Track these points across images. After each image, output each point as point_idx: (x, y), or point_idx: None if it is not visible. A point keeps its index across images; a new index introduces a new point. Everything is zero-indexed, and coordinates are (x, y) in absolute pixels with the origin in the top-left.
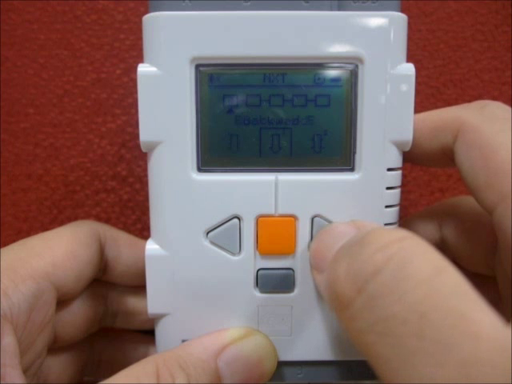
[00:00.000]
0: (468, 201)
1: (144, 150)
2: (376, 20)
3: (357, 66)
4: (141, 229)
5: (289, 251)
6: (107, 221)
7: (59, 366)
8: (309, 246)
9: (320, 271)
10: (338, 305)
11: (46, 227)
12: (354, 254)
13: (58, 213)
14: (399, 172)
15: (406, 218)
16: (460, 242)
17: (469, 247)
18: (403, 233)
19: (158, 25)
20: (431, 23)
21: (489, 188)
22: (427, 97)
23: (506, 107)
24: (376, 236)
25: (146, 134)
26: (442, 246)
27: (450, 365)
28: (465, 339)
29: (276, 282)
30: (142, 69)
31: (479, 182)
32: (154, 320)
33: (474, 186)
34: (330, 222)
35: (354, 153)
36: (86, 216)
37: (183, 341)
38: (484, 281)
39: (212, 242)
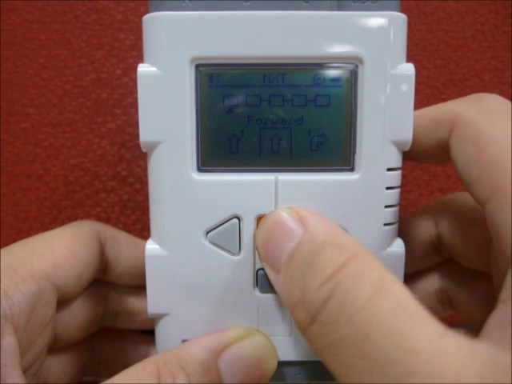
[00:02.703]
0: (463, 197)
1: (144, 150)
2: (376, 20)
3: (357, 66)
4: (141, 229)
5: None
6: (107, 221)
7: (59, 365)
8: None
9: (274, 270)
10: (298, 327)
11: (46, 227)
12: (306, 281)
13: (58, 213)
14: (399, 172)
15: (404, 217)
16: (456, 238)
17: (464, 243)
18: (349, 251)
19: (157, 25)
20: (431, 23)
21: (481, 182)
22: (427, 97)
23: (503, 100)
24: (324, 262)
25: (146, 134)
26: (439, 243)
27: (392, 379)
28: (404, 355)
29: None
30: (142, 69)
31: (472, 176)
32: (154, 320)
33: (467, 179)
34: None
35: (354, 153)
36: (86, 216)
37: (183, 341)
38: (480, 277)
39: (212, 242)
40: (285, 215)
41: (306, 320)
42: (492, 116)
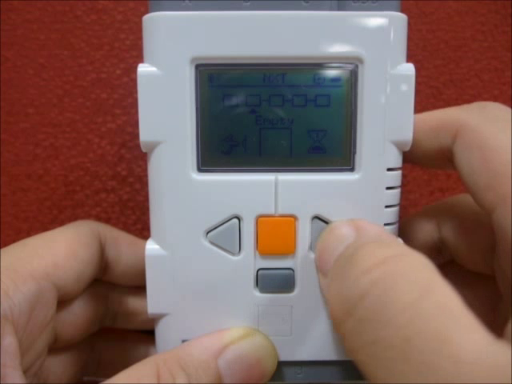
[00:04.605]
0: (466, 199)
1: (144, 150)
2: (376, 20)
3: (357, 66)
4: (141, 229)
5: (289, 251)
6: (107, 221)
7: (59, 366)
8: (310, 246)
9: (323, 274)
10: (333, 322)
11: (46, 227)
12: (344, 274)
13: (58, 213)
14: (399, 172)
15: (405, 218)
16: (459, 241)
17: (468, 246)
18: (393, 249)
19: (158, 25)
20: (431, 23)
21: (488, 189)
22: (427, 97)
23: (506, 108)
24: (364, 255)
25: (146, 134)
26: (442, 246)
27: None
28: (447, 362)
29: (276, 282)
30: (142, 69)
31: (479, 183)
32: (154, 320)
33: (473, 186)
34: (330, 222)
35: (354, 153)
36: (86, 216)
37: (183, 341)
38: (484, 279)
39: (212, 242)
40: (339, 223)
41: (340, 313)
42: (497, 124)
